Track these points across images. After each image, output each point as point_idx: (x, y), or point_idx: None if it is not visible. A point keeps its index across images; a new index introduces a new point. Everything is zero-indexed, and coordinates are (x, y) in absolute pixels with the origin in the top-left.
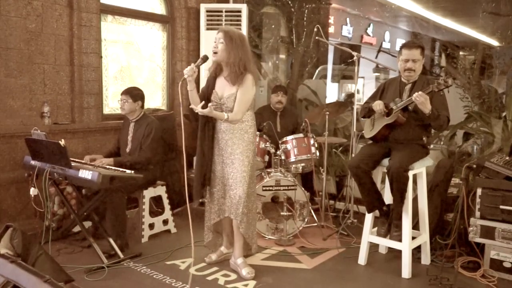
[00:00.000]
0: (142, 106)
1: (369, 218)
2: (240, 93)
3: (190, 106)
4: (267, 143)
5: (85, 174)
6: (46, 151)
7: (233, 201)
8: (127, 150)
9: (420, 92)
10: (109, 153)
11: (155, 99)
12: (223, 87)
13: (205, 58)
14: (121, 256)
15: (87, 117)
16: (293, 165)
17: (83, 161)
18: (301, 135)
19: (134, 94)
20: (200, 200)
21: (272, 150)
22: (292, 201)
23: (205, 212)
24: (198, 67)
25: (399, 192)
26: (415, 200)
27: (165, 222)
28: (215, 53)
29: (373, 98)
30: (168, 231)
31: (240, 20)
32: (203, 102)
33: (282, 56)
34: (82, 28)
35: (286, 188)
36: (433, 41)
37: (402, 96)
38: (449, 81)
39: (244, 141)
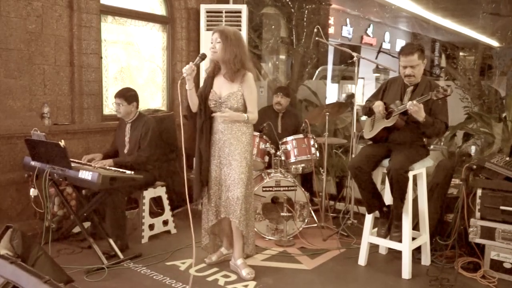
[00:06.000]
0: (137, 107)
1: (369, 218)
2: (247, 93)
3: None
4: (267, 143)
5: (85, 175)
6: (46, 152)
7: (230, 202)
8: (125, 151)
9: (414, 102)
10: (107, 154)
11: (155, 100)
12: (221, 86)
13: (203, 56)
14: (121, 256)
15: (87, 117)
16: (293, 166)
17: (81, 162)
18: (301, 135)
19: (128, 96)
20: (200, 201)
21: (272, 151)
22: (292, 201)
23: (202, 214)
24: (196, 65)
25: (399, 193)
26: (415, 200)
27: (165, 222)
28: (214, 52)
29: (374, 97)
30: (168, 231)
31: (240, 21)
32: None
33: (282, 56)
34: (82, 29)
35: (286, 188)
36: (433, 42)
37: (403, 99)
38: (448, 90)
39: (242, 142)
